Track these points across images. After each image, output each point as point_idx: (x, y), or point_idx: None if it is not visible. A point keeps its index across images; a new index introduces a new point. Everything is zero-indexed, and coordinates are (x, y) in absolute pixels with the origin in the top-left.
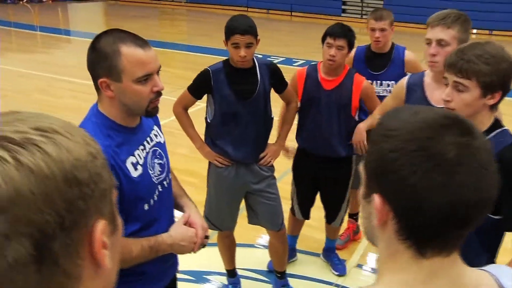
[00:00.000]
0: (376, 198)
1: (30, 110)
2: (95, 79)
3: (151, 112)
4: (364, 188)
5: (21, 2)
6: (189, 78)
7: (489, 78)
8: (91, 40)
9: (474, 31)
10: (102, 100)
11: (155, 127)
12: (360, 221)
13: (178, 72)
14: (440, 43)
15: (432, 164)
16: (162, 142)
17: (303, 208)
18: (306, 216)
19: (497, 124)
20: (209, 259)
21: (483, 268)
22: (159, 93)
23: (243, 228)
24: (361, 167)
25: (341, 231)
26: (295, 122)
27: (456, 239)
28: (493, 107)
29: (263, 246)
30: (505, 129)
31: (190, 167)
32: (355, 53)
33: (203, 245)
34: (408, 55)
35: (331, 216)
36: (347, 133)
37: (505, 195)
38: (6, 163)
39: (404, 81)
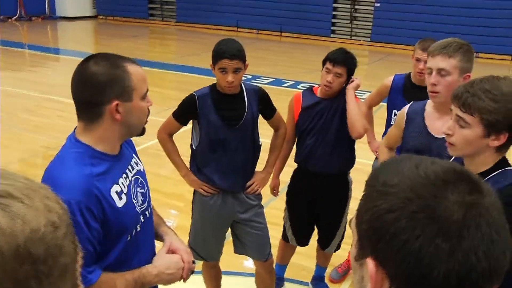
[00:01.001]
0: (370, 263)
1: (16, 130)
2: (98, 106)
3: (144, 130)
4: (356, 249)
5: (10, 20)
6: (178, 98)
7: (493, 116)
8: (80, 60)
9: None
10: (93, 128)
11: (134, 155)
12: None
13: (168, 92)
14: (441, 72)
15: (436, 228)
16: (142, 170)
17: (298, 234)
18: (304, 243)
19: (501, 164)
20: None
21: None
22: (149, 110)
23: (228, 255)
24: (352, 224)
25: (339, 261)
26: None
27: None
28: (500, 149)
29: (249, 274)
30: (509, 169)
31: (176, 191)
32: (392, 81)
33: (191, 271)
34: None
35: (326, 241)
36: (344, 149)
37: None
38: None
39: (405, 109)
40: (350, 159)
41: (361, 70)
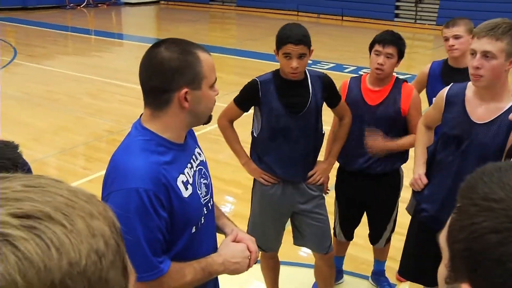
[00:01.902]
0: None
1: (79, 114)
2: (168, 93)
3: (210, 119)
4: (447, 270)
5: (78, 7)
6: (238, 83)
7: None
8: (143, 45)
9: None
10: (161, 115)
11: (196, 146)
12: None
13: (228, 77)
14: (486, 55)
15: None
16: (204, 161)
17: (346, 229)
18: (349, 237)
19: None
20: (248, 279)
21: None
22: None
23: (287, 245)
24: (442, 239)
25: (398, 253)
26: None
27: None
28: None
29: (308, 265)
30: None
31: (234, 177)
32: (429, 68)
33: (256, 260)
34: None
35: (375, 236)
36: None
37: None
38: None
39: (444, 92)
40: (402, 155)
41: (426, 55)
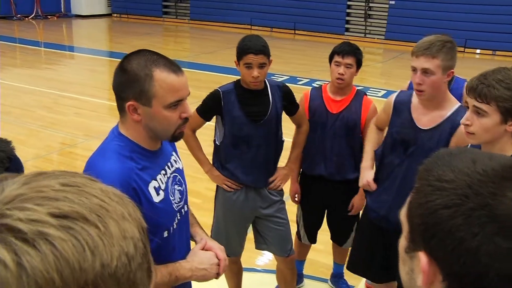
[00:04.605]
0: (423, 258)
1: (33, 127)
2: (121, 100)
3: (177, 138)
4: (406, 241)
5: (26, 19)
6: (193, 96)
7: (509, 103)
8: (94, 58)
9: (478, 51)
10: (126, 122)
11: (173, 153)
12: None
13: None
14: (426, 71)
15: (496, 227)
16: (181, 168)
17: (310, 232)
18: (313, 240)
19: None
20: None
21: None
22: (186, 119)
23: (248, 251)
24: (402, 215)
25: None
26: None
27: None
28: None
29: (270, 270)
30: None
31: (193, 187)
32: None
33: (225, 268)
34: None
35: (343, 237)
36: (355, 155)
37: None
38: (5, 269)
39: (392, 97)
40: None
41: (376, 68)
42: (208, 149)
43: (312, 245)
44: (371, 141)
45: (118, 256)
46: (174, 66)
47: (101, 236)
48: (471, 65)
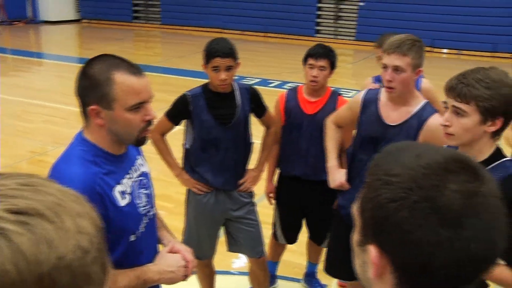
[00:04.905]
0: (372, 250)
1: (1, 136)
2: (84, 105)
3: (141, 141)
4: (358, 234)
5: None
6: (165, 100)
7: (488, 103)
8: (64, 64)
9: (445, 50)
10: (89, 127)
11: (139, 157)
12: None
13: (155, 94)
14: (396, 69)
15: (437, 218)
16: (147, 171)
17: (288, 233)
18: (292, 241)
19: (498, 154)
20: None
21: None
22: (150, 122)
23: (221, 255)
24: (355, 210)
25: None
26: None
27: None
28: (495, 135)
29: (242, 273)
30: (506, 160)
31: (165, 192)
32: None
33: (193, 269)
34: (425, 83)
35: (321, 236)
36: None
37: None
38: None
39: (360, 96)
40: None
41: (347, 69)
42: (180, 154)
43: (287, 246)
44: (332, 139)
45: (73, 249)
46: (135, 69)
47: (57, 230)
48: (438, 64)
